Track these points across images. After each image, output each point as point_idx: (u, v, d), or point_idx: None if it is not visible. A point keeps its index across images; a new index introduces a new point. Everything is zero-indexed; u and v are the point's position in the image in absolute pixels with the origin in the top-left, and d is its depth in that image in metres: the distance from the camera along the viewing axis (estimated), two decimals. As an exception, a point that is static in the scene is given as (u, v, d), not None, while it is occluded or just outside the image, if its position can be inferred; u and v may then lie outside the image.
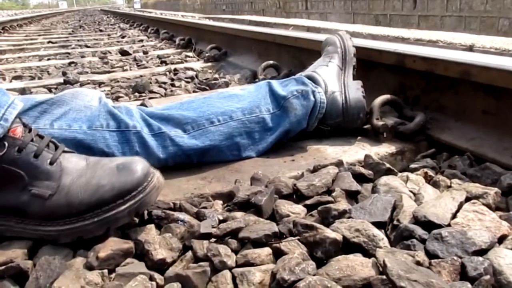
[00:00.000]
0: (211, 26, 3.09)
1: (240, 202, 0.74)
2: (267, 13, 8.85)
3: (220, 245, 0.60)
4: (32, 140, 0.66)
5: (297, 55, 1.76)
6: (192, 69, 2.28)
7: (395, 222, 0.64)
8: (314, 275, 0.53)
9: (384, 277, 0.50)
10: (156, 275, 0.57)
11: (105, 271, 0.58)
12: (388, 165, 0.84)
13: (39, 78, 2.29)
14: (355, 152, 0.97)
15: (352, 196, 0.76)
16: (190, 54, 2.90)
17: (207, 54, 2.59)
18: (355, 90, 1.04)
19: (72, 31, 6.19)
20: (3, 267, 0.58)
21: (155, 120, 0.91)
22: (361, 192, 0.76)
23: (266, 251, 0.59)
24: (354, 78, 1.11)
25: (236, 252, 0.60)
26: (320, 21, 4.81)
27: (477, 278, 0.51)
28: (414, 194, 0.74)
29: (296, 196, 0.77)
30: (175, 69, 2.24)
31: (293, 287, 0.51)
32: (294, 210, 0.70)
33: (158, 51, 3.21)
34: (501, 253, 0.55)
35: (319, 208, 0.68)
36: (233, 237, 0.63)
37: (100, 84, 2.06)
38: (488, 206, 0.67)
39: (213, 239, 0.63)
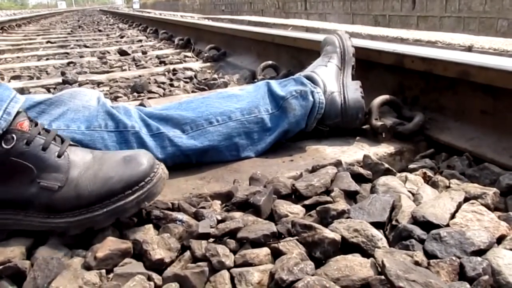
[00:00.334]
0: (210, 26, 3.09)
1: (239, 202, 0.73)
2: (266, 13, 8.86)
3: (218, 245, 0.60)
4: (39, 134, 0.67)
5: (296, 55, 1.76)
6: (191, 69, 2.28)
7: (393, 222, 0.64)
8: (312, 275, 0.53)
9: (383, 277, 0.50)
10: (154, 275, 0.57)
11: (103, 271, 0.58)
12: (386, 165, 0.84)
13: (38, 78, 2.29)
14: (354, 152, 0.97)
15: (351, 196, 0.76)
16: (189, 54, 2.89)
17: (206, 54, 2.59)
18: (354, 90, 1.04)
19: (71, 31, 6.19)
20: (0, 267, 0.58)
21: (153, 120, 0.91)
22: (359, 192, 0.76)
23: (264, 251, 0.59)
24: (353, 78, 1.11)
25: (234, 252, 0.60)
26: (319, 22, 4.81)
27: (475, 278, 0.51)
28: (413, 194, 0.74)
29: (294, 196, 0.77)
30: (174, 69, 2.24)
31: (291, 287, 0.51)
32: (293, 210, 0.70)
33: (157, 51, 3.20)
34: (499, 253, 0.55)
35: (317, 208, 0.68)
36: (231, 237, 0.63)
37: (99, 84, 2.05)
38: (486, 206, 0.67)
39: (211, 239, 0.63)
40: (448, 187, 0.76)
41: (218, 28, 2.84)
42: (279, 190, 0.76)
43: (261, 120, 0.97)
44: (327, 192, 0.76)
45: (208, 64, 2.47)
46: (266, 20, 4.73)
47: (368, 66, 1.26)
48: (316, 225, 0.61)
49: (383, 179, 0.77)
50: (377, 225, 0.63)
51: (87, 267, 0.59)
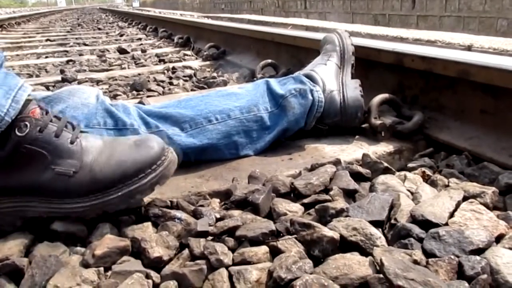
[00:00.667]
0: (210, 25, 3.09)
1: (238, 200, 0.73)
2: (266, 12, 8.85)
3: (217, 243, 0.60)
4: (51, 121, 0.68)
5: (296, 54, 1.75)
6: (190, 67, 2.27)
7: (392, 221, 0.64)
8: (311, 273, 0.53)
9: (381, 276, 0.50)
10: (153, 273, 0.57)
11: (101, 268, 0.58)
12: (386, 164, 0.84)
13: (37, 76, 2.28)
14: (353, 151, 0.97)
15: (350, 195, 0.76)
16: (189, 52, 2.89)
17: (205, 53, 2.58)
18: (353, 89, 1.04)
19: (71, 29, 6.18)
20: (-2, 265, 0.58)
21: (152, 118, 0.91)
22: (358, 191, 0.76)
23: (263, 249, 0.59)
24: (353, 77, 1.11)
25: (233, 250, 0.60)
26: (319, 21, 4.80)
27: (474, 277, 0.51)
28: (412, 193, 0.74)
29: (293, 194, 0.77)
30: (173, 68, 2.24)
31: (290, 285, 0.51)
32: (292, 209, 0.70)
33: (156, 50, 3.20)
34: (498, 252, 0.54)
35: (316, 207, 0.68)
36: (230, 235, 0.63)
37: (98, 82, 2.05)
38: (485, 205, 0.67)
39: (210, 237, 0.63)
40: (447, 186, 0.76)
41: (218, 27, 2.84)
42: (278, 188, 0.76)
43: (260, 118, 0.97)
44: (326, 190, 0.76)
45: (208, 62, 2.46)
46: (265, 19, 4.73)
47: (367, 65, 1.26)
48: (315, 224, 0.61)
49: (382, 178, 0.77)
50: (376, 223, 0.63)
51: (85, 265, 0.59)
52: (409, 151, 0.99)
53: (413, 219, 0.63)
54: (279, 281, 0.52)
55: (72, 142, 0.68)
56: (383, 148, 0.98)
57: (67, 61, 2.73)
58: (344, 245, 0.59)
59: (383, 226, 0.65)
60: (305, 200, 0.73)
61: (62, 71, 2.22)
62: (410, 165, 0.88)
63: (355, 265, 0.54)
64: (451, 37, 2.14)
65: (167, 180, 0.71)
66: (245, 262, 0.57)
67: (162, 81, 1.95)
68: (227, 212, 0.71)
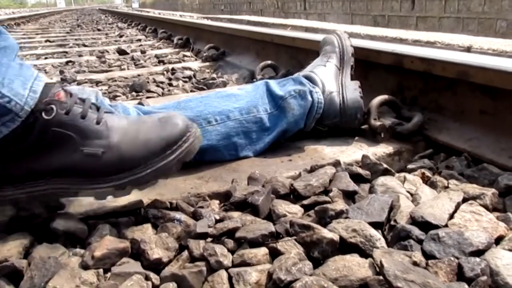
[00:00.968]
0: (209, 26, 3.09)
1: (237, 201, 0.73)
2: (266, 13, 8.86)
3: (216, 245, 0.59)
4: (76, 103, 0.69)
5: (295, 55, 1.75)
6: (190, 68, 2.27)
7: (392, 223, 0.64)
8: (310, 275, 0.53)
9: (381, 277, 0.50)
10: (152, 275, 0.57)
11: (101, 270, 0.58)
12: (385, 166, 0.84)
13: (36, 77, 2.27)
14: (352, 152, 0.97)
15: (349, 196, 0.75)
16: (188, 53, 2.89)
17: (205, 54, 2.58)
18: (353, 91, 1.04)
19: (70, 30, 6.17)
20: (-3, 266, 0.58)
21: (152, 119, 0.91)
22: (358, 192, 0.76)
23: (262, 251, 0.59)
24: (352, 78, 1.11)
25: (232, 252, 0.60)
26: (318, 22, 4.81)
27: (474, 279, 0.51)
28: (411, 194, 0.74)
29: (293, 196, 0.77)
30: (172, 69, 2.24)
31: (289, 287, 0.51)
32: (291, 210, 0.70)
33: (156, 51, 3.20)
34: (498, 254, 0.54)
35: (316, 208, 0.68)
36: (229, 236, 0.63)
37: (98, 83, 2.05)
38: (485, 206, 0.67)
39: (209, 239, 0.63)
40: (447, 187, 0.76)
41: (217, 28, 2.84)
42: (277, 190, 0.76)
43: (260, 119, 0.97)
44: (326, 192, 0.76)
45: (207, 63, 2.46)
46: (265, 20, 4.73)
47: (367, 66, 1.26)
48: (315, 225, 0.60)
49: (381, 179, 0.77)
50: (375, 225, 0.63)
51: (85, 266, 0.59)
52: (409, 152, 0.99)
53: (413, 220, 0.63)
54: (279, 283, 0.52)
55: (98, 123, 0.69)
56: (382, 149, 0.98)
57: (67, 62, 2.73)
58: (344, 246, 0.59)
59: (383, 228, 0.65)
60: (305, 202, 0.73)
61: (61, 72, 2.22)
62: (409, 166, 0.88)
63: (354, 266, 0.54)
64: (450, 38, 2.14)
65: (193, 156, 0.72)
66: (244, 263, 0.57)
67: (162, 82, 1.95)
68: (226, 214, 0.71)
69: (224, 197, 0.78)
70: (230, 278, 0.55)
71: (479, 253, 0.56)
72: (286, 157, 0.97)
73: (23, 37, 5.08)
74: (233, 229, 0.63)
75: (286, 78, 1.08)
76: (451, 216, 0.64)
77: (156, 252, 0.60)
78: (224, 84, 1.83)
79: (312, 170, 0.84)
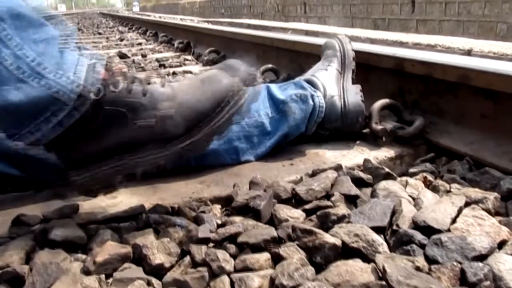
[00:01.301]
0: (210, 30, 3.10)
1: (239, 206, 0.73)
2: (266, 16, 8.87)
3: (218, 250, 0.59)
4: (120, 79, 0.70)
5: (296, 59, 1.76)
6: (190, 72, 2.28)
7: (394, 227, 0.64)
8: (313, 280, 0.53)
9: (384, 282, 0.50)
10: (154, 280, 0.57)
11: (102, 276, 0.58)
12: (387, 170, 0.84)
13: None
14: (354, 156, 0.97)
15: (351, 200, 0.75)
16: (189, 57, 2.90)
17: (205, 58, 2.59)
18: (354, 94, 1.04)
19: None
20: (-1, 272, 0.58)
21: (153, 123, 0.91)
22: (360, 196, 0.76)
23: (265, 256, 0.59)
24: (354, 82, 1.11)
25: (234, 257, 0.60)
26: (318, 25, 4.82)
27: (477, 284, 0.51)
28: (414, 198, 0.74)
29: (295, 200, 0.76)
30: (173, 72, 2.24)
31: (292, 292, 0.51)
32: (293, 215, 0.70)
33: (156, 54, 3.20)
34: (501, 259, 0.54)
35: (318, 213, 0.68)
36: (231, 241, 0.62)
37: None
38: (487, 211, 0.67)
39: (211, 244, 0.63)
40: (449, 191, 0.76)
41: (218, 32, 2.85)
42: (279, 194, 0.76)
43: (261, 124, 0.97)
44: (328, 196, 0.76)
45: (208, 67, 2.47)
46: (265, 24, 4.74)
47: (368, 70, 1.26)
48: (317, 230, 0.60)
49: (383, 184, 0.77)
50: (377, 229, 0.63)
51: (86, 272, 0.59)
52: (410, 156, 0.99)
53: (415, 225, 0.63)
54: (281, 288, 0.51)
55: (144, 94, 0.70)
56: (384, 153, 0.98)
57: (68, 66, 2.73)
58: (346, 251, 0.59)
59: (385, 232, 0.65)
60: (307, 206, 0.73)
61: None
62: (411, 170, 0.88)
63: (357, 271, 0.54)
64: (451, 41, 2.15)
65: (242, 109, 0.75)
66: (247, 269, 0.57)
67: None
68: (228, 218, 0.70)
69: (226, 202, 0.78)
70: (232, 283, 0.55)
71: (482, 258, 0.55)
72: (288, 161, 0.96)
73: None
74: (235, 234, 0.63)
75: (287, 82, 1.08)
76: (454, 221, 0.64)
77: (158, 257, 0.60)
78: (225, 88, 1.83)
79: (313, 174, 0.84)
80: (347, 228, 0.62)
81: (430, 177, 0.82)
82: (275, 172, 0.90)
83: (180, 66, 2.60)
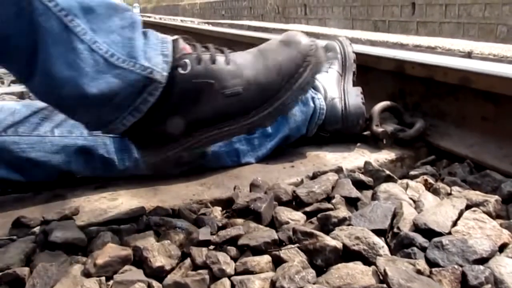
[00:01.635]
0: (210, 31, 3.10)
1: (240, 208, 0.73)
2: (266, 18, 8.88)
3: (219, 253, 0.59)
4: (203, 51, 0.72)
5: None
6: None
7: (395, 230, 0.64)
8: (314, 283, 0.53)
9: (385, 285, 0.50)
10: (154, 283, 0.57)
11: (103, 278, 0.58)
12: (388, 172, 0.83)
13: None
14: (354, 158, 0.97)
15: (352, 203, 0.75)
16: (189, 59, 2.89)
17: (206, 59, 2.58)
18: (355, 97, 1.04)
19: (71, 35, 6.18)
20: (-1, 274, 0.58)
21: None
22: (361, 199, 0.76)
23: (265, 258, 0.59)
24: (354, 84, 1.11)
25: (235, 259, 0.60)
26: (319, 27, 4.82)
27: (478, 287, 0.51)
28: (414, 201, 0.74)
29: (295, 203, 0.76)
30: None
31: (293, 295, 0.51)
32: (294, 217, 0.70)
33: (157, 56, 3.20)
34: (502, 262, 0.54)
35: (318, 215, 0.68)
36: (232, 244, 0.62)
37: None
38: (488, 214, 0.66)
39: (212, 246, 0.63)
40: (450, 194, 0.76)
41: (218, 33, 2.85)
42: (280, 196, 0.76)
43: (262, 126, 0.97)
44: (328, 199, 0.76)
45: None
46: (266, 25, 4.74)
47: (368, 72, 1.26)
48: (317, 233, 0.60)
49: (384, 186, 0.77)
50: (378, 232, 0.63)
51: (87, 274, 0.59)
52: (411, 159, 0.99)
53: (416, 227, 0.63)
54: (282, 291, 0.51)
55: (227, 63, 0.72)
56: (384, 155, 0.98)
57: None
58: (347, 254, 0.59)
59: (386, 235, 0.64)
60: (307, 209, 0.73)
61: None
62: (412, 173, 0.88)
63: (358, 274, 0.54)
64: (451, 44, 2.15)
65: (323, 66, 0.79)
66: (247, 271, 0.57)
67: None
68: (229, 221, 0.70)
69: (226, 204, 0.78)
70: (233, 286, 0.55)
71: (483, 261, 0.55)
72: (288, 163, 0.96)
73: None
74: (236, 237, 0.63)
75: (288, 84, 1.08)
76: (455, 224, 0.64)
77: (158, 260, 0.60)
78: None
79: (314, 176, 0.84)
80: (348, 231, 0.61)
81: (431, 180, 0.82)
82: (275, 174, 0.90)
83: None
